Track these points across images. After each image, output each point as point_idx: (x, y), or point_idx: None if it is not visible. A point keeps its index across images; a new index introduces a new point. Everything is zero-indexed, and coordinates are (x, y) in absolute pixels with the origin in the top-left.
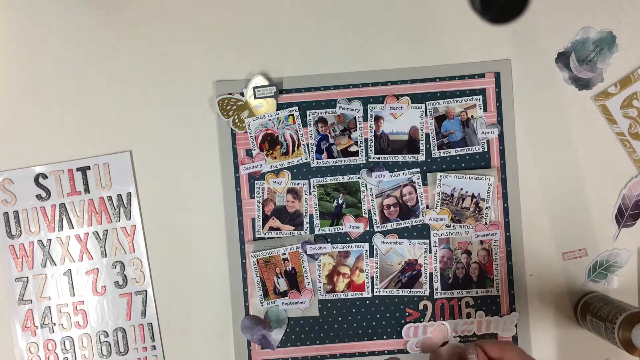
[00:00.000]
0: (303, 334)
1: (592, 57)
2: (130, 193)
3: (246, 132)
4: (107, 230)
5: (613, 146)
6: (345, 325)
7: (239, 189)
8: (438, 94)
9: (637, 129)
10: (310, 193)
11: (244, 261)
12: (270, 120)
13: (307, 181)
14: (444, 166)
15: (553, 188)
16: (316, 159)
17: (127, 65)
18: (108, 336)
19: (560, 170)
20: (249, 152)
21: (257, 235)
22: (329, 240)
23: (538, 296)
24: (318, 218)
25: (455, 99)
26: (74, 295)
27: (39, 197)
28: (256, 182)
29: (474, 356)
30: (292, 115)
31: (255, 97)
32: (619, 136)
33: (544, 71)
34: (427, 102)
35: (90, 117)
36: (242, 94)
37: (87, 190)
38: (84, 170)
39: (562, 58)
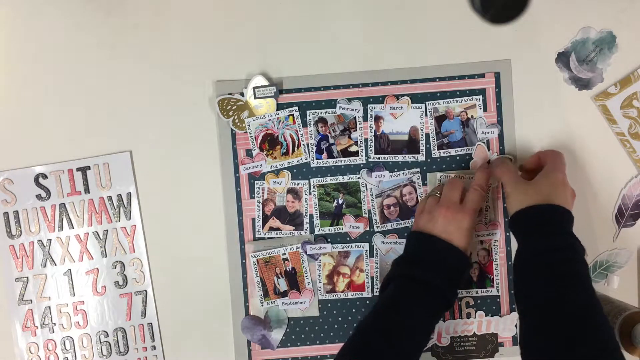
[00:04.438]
0: (303, 334)
1: (592, 57)
2: (130, 193)
3: (246, 132)
4: (107, 230)
5: (613, 146)
6: (346, 326)
7: (239, 189)
8: (438, 94)
9: (637, 129)
10: (310, 193)
11: (244, 261)
12: (270, 120)
13: (307, 181)
14: (444, 166)
15: None
16: (316, 159)
17: (127, 65)
18: (108, 336)
19: None
20: (249, 152)
21: (257, 236)
22: (329, 240)
23: None
24: (318, 218)
25: (455, 99)
26: (74, 295)
27: (39, 197)
28: (256, 182)
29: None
30: (292, 115)
31: (255, 97)
32: (619, 136)
33: (544, 71)
34: (427, 102)
35: (90, 117)
36: (242, 94)
37: (87, 190)
38: (84, 170)
39: (562, 58)
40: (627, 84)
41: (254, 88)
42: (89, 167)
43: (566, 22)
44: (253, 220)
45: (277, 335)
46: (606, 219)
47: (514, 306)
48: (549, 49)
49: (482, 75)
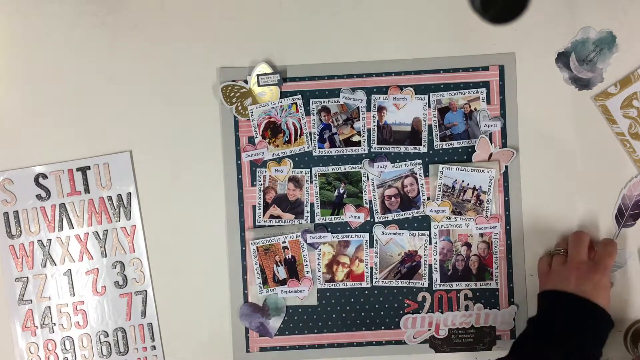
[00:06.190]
0: (301, 323)
1: (592, 57)
2: (130, 193)
3: (249, 119)
4: (107, 230)
5: (613, 146)
6: (344, 315)
7: (240, 176)
8: (442, 86)
9: (637, 129)
10: (311, 182)
11: (243, 248)
12: (273, 108)
13: (309, 170)
14: (446, 158)
15: (553, 188)
16: (318, 148)
17: (127, 62)
18: (108, 336)
19: (561, 170)
20: (251, 140)
21: (257, 223)
22: (329, 229)
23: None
24: (319, 207)
25: (458, 91)
26: (74, 295)
27: (39, 197)
28: (258, 169)
29: None
30: (296, 103)
31: (258, 85)
32: (619, 136)
33: (543, 71)
34: (431, 94)
35: (90, 117)
36: (245, 82)
37: (87, 190)
38: (84, 170)
39: (562, 58)
40: (627, 84)
41: (258, 75)
42: (89, 167)
43: (566, 22)
44: (254, 207)
45: (275, 323)
46: (606, 219)
47: (512, 299)
48: (549, 49)
49: (486, 68)
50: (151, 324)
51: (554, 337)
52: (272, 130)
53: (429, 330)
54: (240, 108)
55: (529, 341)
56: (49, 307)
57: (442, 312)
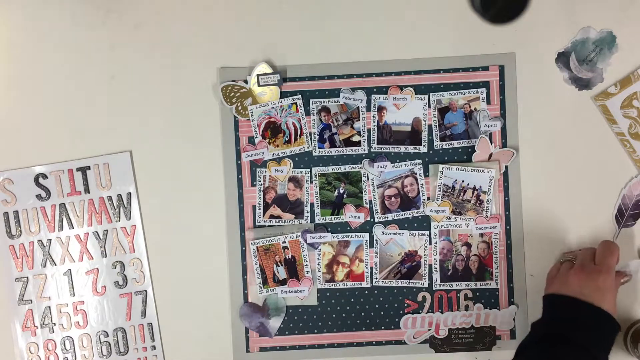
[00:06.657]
0: (301, 323)
1: (592, 57)
2: (130, 193)
3: (249, 119)
4: (107, 230)
5: (613, 146)
6: (344, 315)
7: (240, 176)
8: (442, 86)
9: (637, 129)
10: (311, 182)
11: (243, 248)
12: (273, 108)
13: (309, 170)
14: (446, 158)
15: (553, 188)
16: (318, 148)
17: (127, 62)
18: (108, 336)
19: (560, 170)
20: (251, 140)
21: (257, 223)
22: (329, 229)
23: (538, 296)
24: (319, 207)
25: (458, 91)
26: (74, 295)
27: (39, 197)
28: (258, 169)
29: None
30: (296, 103)
31: (258, 85)
32: (619, 136)
33: (543, 71)
34: (431, 94)
35: (90, 117)
36: (245, 82)
37: (87, 190)
38: (84, 170)
39: (562, 58)
40: (627, 84)
41: (258, 75)
42: (89, 167)
43: (566, 22)
44: (254, 207)
45: (275, 323)
46: (606, 219)
47: (512, 299)
48: (549, 49)
49: (486, 68)
50: (151, 324)
51: (555, 340)
52: (272, 130)
53: (429, 330)
54: (240, 108)
55: (532, 345)
56: (49, 307)
57: (442, 312)
